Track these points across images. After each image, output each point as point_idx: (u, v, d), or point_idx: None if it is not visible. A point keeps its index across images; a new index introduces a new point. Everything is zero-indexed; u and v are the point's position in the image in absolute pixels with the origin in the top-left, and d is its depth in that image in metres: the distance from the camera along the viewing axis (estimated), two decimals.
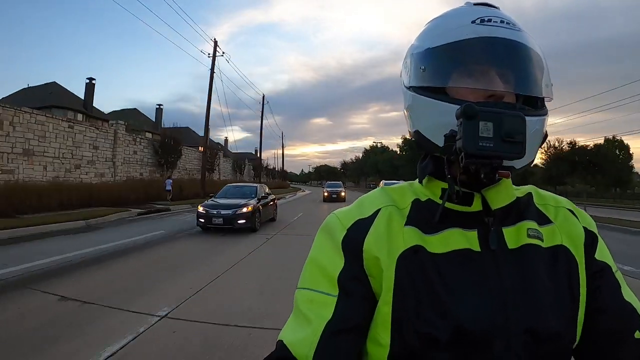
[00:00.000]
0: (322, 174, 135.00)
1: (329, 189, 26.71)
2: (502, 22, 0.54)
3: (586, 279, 0.56)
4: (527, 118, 0.47)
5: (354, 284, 0.54)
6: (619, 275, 0.58)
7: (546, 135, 0.56)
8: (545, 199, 0.63)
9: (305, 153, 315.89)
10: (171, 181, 18.38)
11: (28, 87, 32.15)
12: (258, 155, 48.49)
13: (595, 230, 0.61)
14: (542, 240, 0.56)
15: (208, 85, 22.42)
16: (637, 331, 0.54)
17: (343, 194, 25.84)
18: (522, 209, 0.59)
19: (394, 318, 0.51)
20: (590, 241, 0.59)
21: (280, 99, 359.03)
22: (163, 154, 21.70)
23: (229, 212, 9.51)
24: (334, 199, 24.82)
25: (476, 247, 0.53)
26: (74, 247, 6.72)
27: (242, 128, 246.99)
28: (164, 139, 22.34)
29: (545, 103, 0.57)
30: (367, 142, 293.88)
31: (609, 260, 0.59)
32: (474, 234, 0.54)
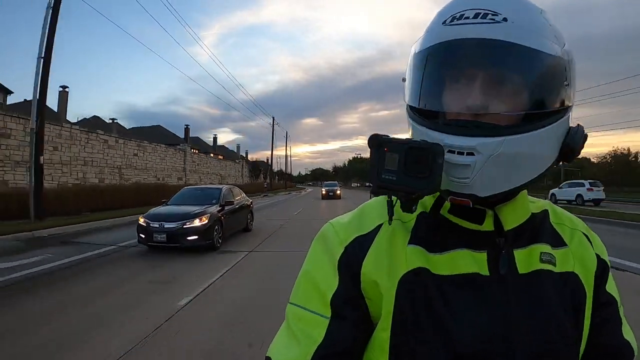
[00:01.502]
0: (317, 175, 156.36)
1: (326, 188, 29.65)
2: (476, 15, 0.44)
3: (592, 310, 0.53)
4: (501, 139, 0.43)
5: (348, 308, 0.50)
6: (621, 311, 0.57)
7: (573, 150, 0.49)
8: (561, 218, 0.59)
9: (296, 153, 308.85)
10: (269, 181, 43.97)
11: (137, 127, 43.56)
12: (270, 163, 65.46)
13: (607, 259, 0.58)
14: (554, 265, 0.52)
15: (270, 147, 49.06)
16: None
17: (339, 192, 29.08)
18: (537, 228, 0.54)
19: (393, 344, 0.48)
20: (602, 271, 0.56)
21: (271, 100, 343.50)
22: (253, 171, 50.04)
23: (175, 225, 6.80)
24: (331, 196, 28.08)
25: (485, 271, 0.49)
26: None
27: (232, 130, 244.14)
28: (253, 164, 55.18)
29: (566, 104, 0.47)
30: (357, 142, 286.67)
31: (616, 295, 0.57)
32: (483, 256, 0.50)
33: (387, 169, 0.43)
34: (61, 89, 27.13)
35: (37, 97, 10.08)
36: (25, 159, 11.80)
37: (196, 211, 7.15)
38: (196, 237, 6.77)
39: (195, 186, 9.90)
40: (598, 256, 0.56)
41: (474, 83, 0.44)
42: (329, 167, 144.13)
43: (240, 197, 9.55)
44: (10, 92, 24.85)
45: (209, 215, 7.12)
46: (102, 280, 4.95)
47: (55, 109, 23.75)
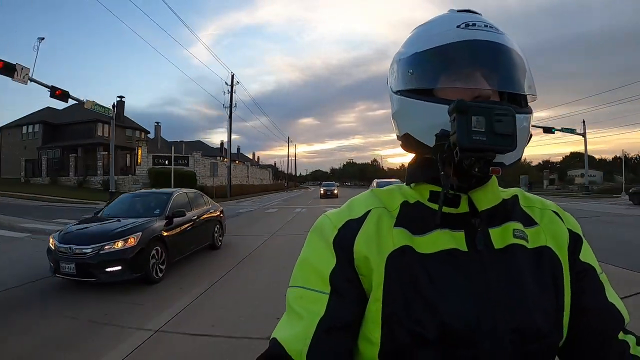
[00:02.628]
0: (317, 176, 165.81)
1: (325, 188, 31.07)
2: (485, 26, 0.56)
3: (570, 280, 0.57)
4: (525, 115, 0.53)
5: (346, 284, 0.54)
6: (603, 277, 0.59)
7: (530, 136, 0.58)
8: (531, 201, 0.64)
9: (293, 153, 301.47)
10: (287, 183, 64.59)
11: (178, 142, 48.00)
12: (287, 170, 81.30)
13: (580, 232, 0.62)
14: (527, 241, 0.57)
15: (287, 160, 72.39)
16: (621, 332, 0.56)
17: (336, 191, 30.53)
18: (508, 210, 0.60)
19: (384, 316, 0.52)
20: (574, 243, 0.60)
21: (268, 100, 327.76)
22: (276, 175, 75.07)
23: (88, 249, 4.58)
24: (329, 195, 29.39)
25: (463, 247, 0.54)
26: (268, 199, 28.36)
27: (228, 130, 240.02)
28: (275, 169, 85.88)
29: (529, 103, 0.59)
30: (354, 141, 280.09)
31: (594, 262, 0.60)
32: (461, 235, 0.55)
33: (476, 130, 0.46)
34: (156, 124, 43.93)
35: (229, 155, 31.15)
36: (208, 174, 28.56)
37: (121, 228, 4.92)
38: (119, 267, 4.56)
39: (138, 191, 7.62)
40: (570, 230, 0.60)
41: (496, 71, 0.55)
42: (326, 166, 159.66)
43: (206, 207, 7.25)
44: (148, 132, 35.10)
45: (139, 234, 4.85)
46: None
47: (153, 135, 41.14)
